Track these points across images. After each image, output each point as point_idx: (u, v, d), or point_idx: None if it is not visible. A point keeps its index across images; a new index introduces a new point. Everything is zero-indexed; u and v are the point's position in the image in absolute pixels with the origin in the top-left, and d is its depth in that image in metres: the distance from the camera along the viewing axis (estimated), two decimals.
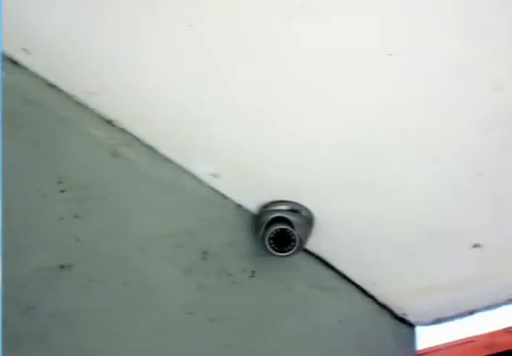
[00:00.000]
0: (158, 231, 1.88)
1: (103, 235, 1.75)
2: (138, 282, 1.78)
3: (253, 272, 2.09)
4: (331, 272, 2.32)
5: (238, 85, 1.71)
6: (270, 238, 2.03)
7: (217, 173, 2.01)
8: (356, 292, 2.40)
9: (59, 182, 1.72)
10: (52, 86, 1.79)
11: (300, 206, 2.07)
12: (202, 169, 2.01)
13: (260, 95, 1.74)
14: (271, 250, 2.04)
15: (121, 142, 1.89)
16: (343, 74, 1.65)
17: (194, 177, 2.02)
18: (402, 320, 2.54)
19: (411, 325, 2.59)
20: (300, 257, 2.22)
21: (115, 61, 1.70)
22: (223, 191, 2.08)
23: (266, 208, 2.10)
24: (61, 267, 1.64)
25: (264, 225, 2.05)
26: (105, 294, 1.69)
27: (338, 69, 1.64)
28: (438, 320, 2.59)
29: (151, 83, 1.75)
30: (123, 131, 1.90)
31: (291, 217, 2.04)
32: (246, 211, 2.14)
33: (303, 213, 2.07)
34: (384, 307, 2.48)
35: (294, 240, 2.02)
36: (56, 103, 1.79)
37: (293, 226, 2.02)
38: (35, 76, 1.76)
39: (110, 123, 1.88)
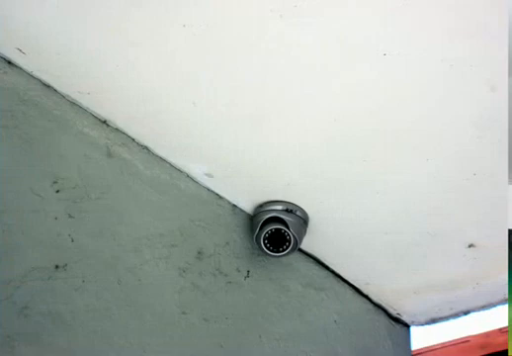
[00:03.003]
0: (153, 231, 1.88)
1: (97, 235, 1.75)
2: (133, 282, 1.78)
3: (248, 272, 2.09)
4: (326, 272, 2.33)
5: (233, 86, 1.72)
6: (265, 238, 2.03)
7: (212, 173, 2.02)
8: (351, 292, 2.40)
9: (54, 182, 1.72)
10: (47, 86, 1.79)
11: (295, 206, 2.07)
12: (197, 169, 2.02)
13: (255, 95, 1.74)
14: (266, 250, 2.04)
15: (115, 142, 1.89)
16: (337, 74, 1.66)
17: (189, 177, 2.03)
18: (397, 320, 2.55)
19: (406, 325, 2.59)
20: (295, 257, 2.23)
21: (108, 62, 1.70)
22: (218, 191, 2.09)
23: (261, 208, 2.10)
24: (56, 267, 1.64)
25: (259, 225, 2.05)
26: (99, 294, 1.69)
27: (332, 69, 1.65)
28: (433, 320, 2.59)
29: (146, 83, 1.75)
30: (117, 130, 1.90)
31: (285, 217, 2.04)
32: (241, 211, 2.15)
33: (298, 213, 2.07)
34: (378, 307, 2.48)
35: (288, 240, 2.03)
36: (51, 103, 1.79)
37: (287, 226, 2.02)
38: (30, 76, 1.77)
39: (104, 123, 1.88)
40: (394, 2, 1.47)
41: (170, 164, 1.99)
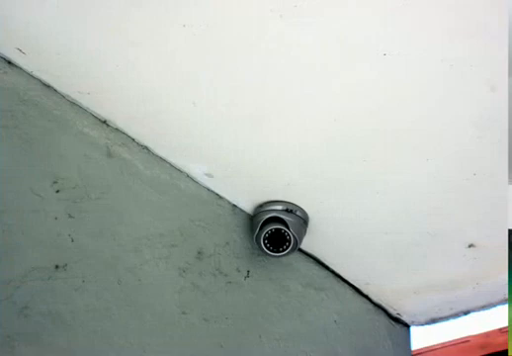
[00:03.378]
0: (153, 231, 1.88)
1: (97, 235, 1.75)
2: (133, 282, 1.78)
3: (248, 272, 2.09)
4: (326, 272, 2.33)
5: (233, 86, 1.72)
6: (265, 238, 2.03)
7: (212, 173, 2.02)
8: (351, 292, 2.40)
9: (54, 182, 1.72)
10: (47, 86, 1.79)
11: (295, 206, 2.07)
12: (197, 169, 2.01)
13: (255, 95, 1.74)
14: (266, 250, 2.04)
15: (115, 142, 1.89)
16: (337, 74, 1.66)
17: (189, 177, 2.03)
18: (397, 320, 2.55)
19: (406, 325, 2.59)
20: (295, 257, 2.23)
21: (108, 62, 1.70)
22: (218, 191, 2.09)
23: (261, 208, 2.10)
24: (56, 267, 1.64)
25: (259, 225, 2.05)
26: (99, 294, 1.69)
27: (332, 69, 1.65)
28: (433, 320, 2.59)
29: (146, 83, 1.75)
30: (117, 130, 1.90)
31: (285, 217, 2.04)
32: (241, 211, 2.15)
33: (298, 213, 2.07)
34: (378, 307, 2.48)
35: (288, 240, 2.03)
36: (51, 103, 1.79)
37: (287, 226, 2.02)
38: (30, 76, 1.77)
39: (105, 123, 1.88)
40: (394, 2, 1.47)
41: (170, 164, 1.99)
